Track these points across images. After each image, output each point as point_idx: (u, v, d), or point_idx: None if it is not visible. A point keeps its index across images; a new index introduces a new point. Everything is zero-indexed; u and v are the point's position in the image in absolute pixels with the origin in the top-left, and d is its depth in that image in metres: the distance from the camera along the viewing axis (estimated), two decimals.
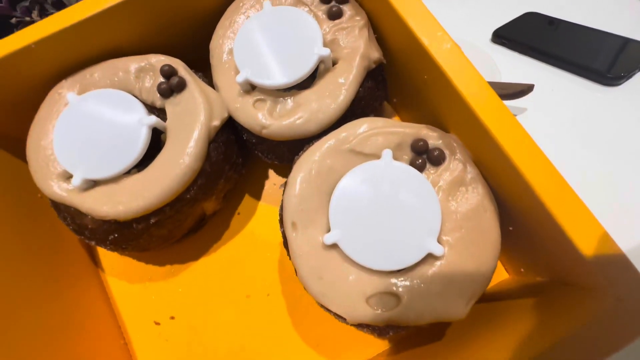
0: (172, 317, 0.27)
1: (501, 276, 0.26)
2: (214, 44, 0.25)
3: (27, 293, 0.22)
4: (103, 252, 0.29)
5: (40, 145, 0.23)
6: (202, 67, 0.26)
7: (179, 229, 0.25)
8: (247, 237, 0.29)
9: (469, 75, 0.19)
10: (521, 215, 0.19)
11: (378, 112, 0.26)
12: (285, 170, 0.30)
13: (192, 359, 0.26)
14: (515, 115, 0.33)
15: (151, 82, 0.24)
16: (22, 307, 0.21)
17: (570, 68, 0.33)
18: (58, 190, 0.22)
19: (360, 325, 0.20)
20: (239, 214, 0.29)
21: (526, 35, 0.35)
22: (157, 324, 0.27)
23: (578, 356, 0.16)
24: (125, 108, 0.22)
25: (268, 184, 0.30)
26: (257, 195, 0.29)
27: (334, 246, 0.19)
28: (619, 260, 0.15)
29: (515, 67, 0.35)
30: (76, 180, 0.21)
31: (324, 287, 0.19)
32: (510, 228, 0.21)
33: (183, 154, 0.22)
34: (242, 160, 0.27)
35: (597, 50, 0.33)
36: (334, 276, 0.19)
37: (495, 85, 0.32)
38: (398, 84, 0.26)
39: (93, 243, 0.24)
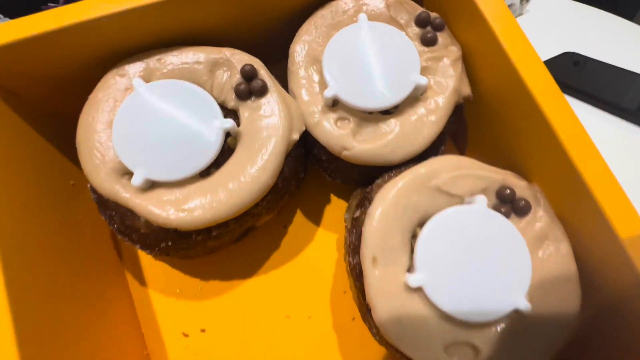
0: (203, 330, 0.25)
1: None
2: (296, 49, 0.23)
3: (45, 285, 0.19)
4: (132, 253, 0.26)
5: (94, 133, 0.20)
6: (271, 68, 0.24)
7: (229, 240, 0.23)
8: (292, 254, 0.27)
9: (572, 125, 0.19)
10: (603, 284, 0.20)
11: (449, 149, 0.25)
12: (342, 190, 0.28)
13: None
14: None
15: (226, 79, 0.22)
16: (37, 299, 0.18)
17: (602, 106, 0.34)
18: (111, 185, 0.19)
19: None
20: (284, 227, 0.28)
21: (562, 72, 0.35)
22: (186, 335, 0.25)
23: None
24: (199, 105, 0.20)
25: (321, 202, 0.28)
26: (308, 212, 0.28)
27: (418, 289, 0.19)
28: None
29: None
30: (137, 180, 0.19)
31: (403, 332, 0.18)
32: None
33: (260, 168, 0.20)
34: (303, 175, 0.25)
35: (626, 89, 0.34)
36: (414, 320, 0.18)
37: None
38: (477, 123, 0.26)
39: (138, 247, 0.21)
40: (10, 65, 0.19)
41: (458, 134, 0.28)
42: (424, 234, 0.19)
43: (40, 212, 0.21)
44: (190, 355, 0.25)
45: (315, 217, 0.28)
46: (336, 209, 0.28)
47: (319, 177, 0.26)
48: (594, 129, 0.33)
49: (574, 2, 0.40)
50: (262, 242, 0.27)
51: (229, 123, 0.20)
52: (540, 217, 0.20)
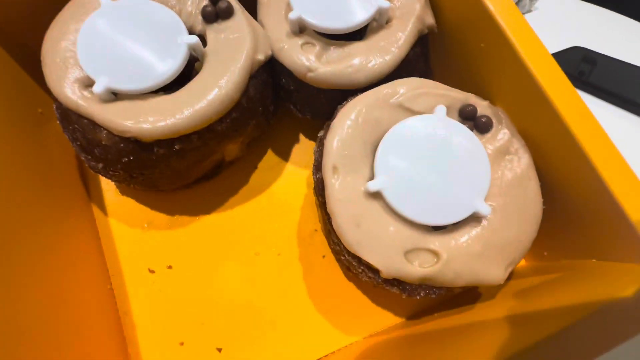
0: (170, 267, 0.25)
1: None
2: None
3: (6, 210, 0.19)
4: (99, 185, 0.26)
5: (60, 45, 0.20)
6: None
7: (196, 167, 0.23)
8: (263, 192, 0.27)
9: (534, 44, 0.19)
10: (563, 191, 0.19)
11: None
12: (315, 130, 0.28)
13: (186, 312, 0.24)
14: None
15: (194, 4, 0.22)
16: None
17: (615, 101, 0.35)
18: (74, 96, 0.19)
19: (391, 283, 0.19)
20: (256, 167, 0.27)
21: (572, 66, 0.36)
22: (152, 272, 0.25)
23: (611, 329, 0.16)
24: (165, 23, 0.21)
25: (293, 142, 0.28)
26: (280, 151, 0.28)
27: (377, 195, 0.19)
28: None
29: None
30: (99, 87, 0.19)
31: (361, 236, 0.18)
32: (544, 206, 0.21)
33: (223, 81, 0.20)
34: (273, 109, 0.25)
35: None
36: (373, 226, 0.18)
37: None
38: (441, 55, 0.26)
39: (100, 166, 0.21)
40: None
41: (425, 69, 0.28)
42: (384, 141, 0.19)
43: (6, 136, 0.21)
44: (155, 292, 0.24)
45: (287, 156, 0.28)
46: (308, 147, 0.28)
47: (290, 116, 0.27)
48: (605, 124, 0.34)
49: (583, 2, 0.41)
50: (233, 180, 0.27)
51: (194, 39, 0.20)
52: (502, 133, 0.20)
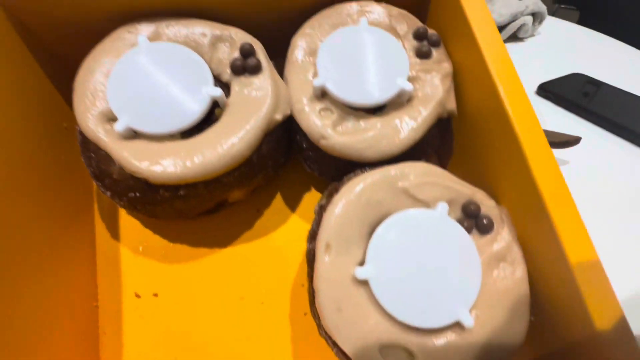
0: (156, 295, 0.25)
1: None
2: (297, 41, 0.24)
3: (14, 208, 0.20)
4: (107, 204, 0.27)
5: (92, 77, 0.21)
6: (272, 54, 0.25)
7: (198, 208, 0.24)
8: (259, 237, 0.27)
9: (545, 156, 0.19)
10: (552, 306, 0.19)
11: (430, 160, 0.26)
12: (320, 184, 0.29)
13: (162, 343, 0.24)
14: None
15: (225, 54, 0.23)
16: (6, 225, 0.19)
17: (615, 130, 0.34)
18: (96, 127, 0.20)
19: None
20: (258, 210, 0.28)
21: (570, 92, 0.36)
22: (138, 296, 0.25)
23: None
24: (194, 71, 0.21)
25: (298, 192, 0.28)
26: (283, 200, 0.28)
27: (364, 283, 0.19)
28: None
29: (559, 121, 0.35)
30: (120, 125, 0.20)
31: (340, 321, 0.18)
32: (532, 318, 0.21)
33: (237, 138, 0.21)
34: (283, 161, 0.26)
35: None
36: (354, 313, 0.18)
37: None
38: (461, 138, 0.26)
39: (108, 194, 0.22)
40: (33, 2, 0.21)
41: (443, 149, 0.28)
42: (380, 229, 0.19)
43: (30, 142, 0.22)
44: (137, 317, 0.25)
45: (290, 206, 0.28)
46: (311, 200, 0.28)
47: (299, 168, 0.27)
48: (604, 152, 0.33)
49: (582, 27, 0.41)
50: (233, 220, 0.27)
51: (218, 92, 0.21)
52: (502, 238, 0.20)
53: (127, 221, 0.27)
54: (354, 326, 0.18)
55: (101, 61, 0.22)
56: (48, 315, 0.21)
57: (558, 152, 0.33)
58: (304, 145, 0.24)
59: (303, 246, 0.27)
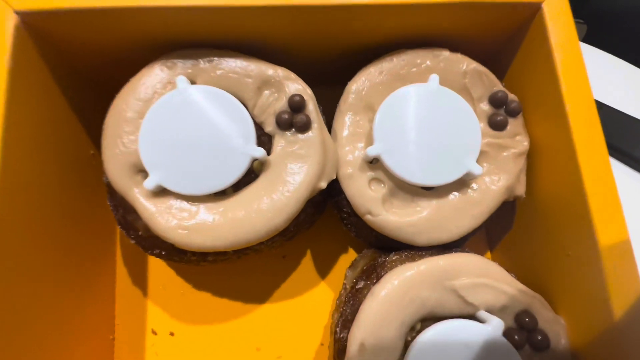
0: (172, 334, 0.25)
1: None
2: (353, 87, 0.21)
3: (37, 237, 0.19)
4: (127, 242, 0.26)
5: (124, 120, 0.19)
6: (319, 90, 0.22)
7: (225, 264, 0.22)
8: (283, 287, 0.26)
9: (623, 263, 0.16)
10: None
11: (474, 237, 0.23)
12: (355, 243, 0.27)
13: None
14: None
15: (272, 101, 0.20)
16: (25, 249, 0.18)
17: (616, 155, 0.32)
18: (124, 180, 0.18)
19: None
20: (284, 257, 0.26)
21: None
22: (154, 333, 0.25)
23: None
24: (237, 124, 0.19)
25: (329, 244, 0.27)
26: (313, 250, 0.26)
27: None
28: None
29: None
30: (150, 183, 0.18)
31: None
32: None
33: (275, 209, 0.18)
34: (317, 218, 0.24)
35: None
36: None
37: None
38: (517, 223, 0.23)
39: (132, 242, 0.20)
40: (70, 29, 0.19)
41: (495, 227, 0.26)
42: (421, 338, 0.17)
43: (56, 167, 0.21)
44: (152, 354, 0.24)
45: (319, 258, 0.26)
46: (343, 257, 0.26)
47: (334, 221, 0.25)
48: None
49: (587, 45, 0.37)
50: (257, 265, 0.26)
51: (260, 153, 0.19)
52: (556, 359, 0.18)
53: (151, 259, 0.26)
54: None
55: (134, 100, 0.19)
56: (66, 344, 0.21)
57: None
58: (345, 209, 0.22)
59: (328, 303, 0.26)
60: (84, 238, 0.23)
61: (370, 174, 0.20)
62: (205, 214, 0.18)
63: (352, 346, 0.18)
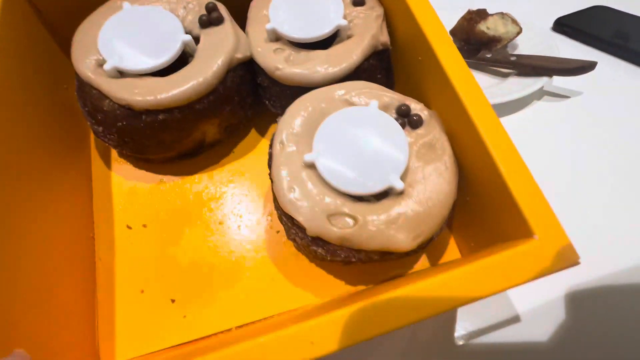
0: (145, 225, 0.29)
1: (454, 256, 0.28)
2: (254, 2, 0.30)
3: (19, 151, 0.24)
4: (101, 151, 0.31)
5: (87, 34, 0.26)
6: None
7: (178, 142, 0.28)
8: (234, 172, 0.31)
9: (454, 58, 0.23)
10: (480, 187, 0.22)
11: None
12: None
13: (151, 265, 0.27)
14: (570, 97, 0.36)
15: (195, 15, 0.28)
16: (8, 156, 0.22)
17: (636, 60, 0.33)
18: (88, 71, 0.25)
19: (317, 243, 0.22)
20: (232, 151, 0.32)
21: (594, 26, 0.35)
22: (129, 227, 0.29)
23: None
24: (169, 24, 0.27)
25: (266, 134, 0.33)
26: (254, 140, 0.32)
27: (312, 166, 0.22)
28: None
29: (576, 54, 0.35)
30: (108, 65, 0.24)
31: (293, 199, 0.21)
32: (468, 198, 0.24)
33: (204, 70, 0.25)
34: (250, 102, 0.30)
35: None
36: (305, 191, 0.22)
37: (554, 60, 0.34)
38: (399, 68, 0.30)
39: (100, 129, 0.26)
40: None
41: (384, 80, 0.32)
42: (323, 123, 0.23)
43: (38, 92, 0.26)
44: (128, 245, 0.28)
45: (261, 145, 0.32)
46: None
47: (267, 113, 0.31)
48: (626, 82, 0.33)
49: None
50: (211, 159, 0.31)
51: (187, 37, 0.26)
52: (430, 131, 0.24)
53: (122, 164, 0.31)
54: (305, 201, 0.21)
55: (94, 22, 0.27)
56: (49, 244, 0.24)
57: (573, 83, 0.34)
58: (265, 84, 0.29)
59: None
60: (61, 146, 0.28)
61: (274, 46, 0.28)
62: (152, 83, 0.25)
63: (275, 146, 0.23)
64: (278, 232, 0.29)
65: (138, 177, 0.30)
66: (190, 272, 0.27)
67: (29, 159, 0.24)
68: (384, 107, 0.25)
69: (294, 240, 0.25)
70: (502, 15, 0.40)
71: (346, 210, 0.21)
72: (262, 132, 0.33)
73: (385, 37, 0.28)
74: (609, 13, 0.38)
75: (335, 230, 0.21)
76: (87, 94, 0.26)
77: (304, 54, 0.27)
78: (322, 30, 0.27)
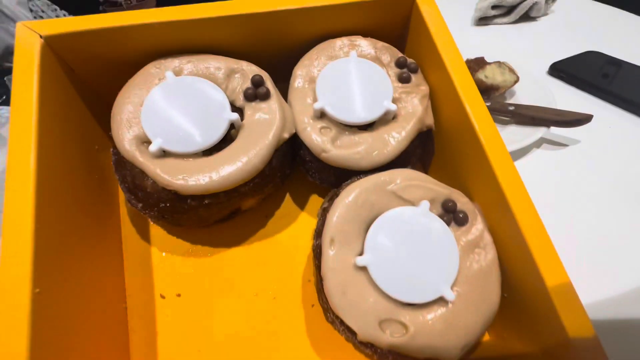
0: (179, 295, 0.28)
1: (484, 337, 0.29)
2: (298, 71, 0.29)
3: (57, 216, 0.22)
4: (131, 216, 0.30)
5: (127, 106, 0.25)
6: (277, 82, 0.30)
7: (217, 215, 0.27)
8: (268, 239, 0.31)
9: (505, 160, 0.24)
10: (519, 284, 0.23)
11: (415, 168, 0.30)
12: (322, 191, 0.33)
13: (187, 337, 0.27)
14: (568, 145, 0.36)
15: (238, 84, 0.27)
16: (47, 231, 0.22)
17: (630, 108, 0.34)
18: (131, 149, 0.24)
19: (366, 345, 0.22)
20: (266, 216, 0.32)
21: (586, 71, 0.36)
22: (163, 297, 0.28)
23: None
24: (214, 99, 0.26)
25: (302, 199, 0.32)
26: (289, 206, 0.32)
27: (363, 269, 0.22)
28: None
29: (572, 100, 0.35)
30: (154, 147, 0.23)
31: (345, 302, 0.22)
32: (505, 295, 0.25)
33: (252, 153, 0.25)
34: (289, 172, 0.30)
35: None
36: (356, 295, 0.22)
37: (551, 112, 0.35)
38: (440, 149, 0.31)
39: (140, 205, 0.25)
40: (75, 47, 0.25)
41: (425, 158, 0.33)
42: (375, 224, 0.23)
43: (69, 157, 0.25)
44: (163, 316, 0.28)
45: (295, 211, 0.32)
46: (314, 205, 0.32)
47: (302, 178, 0.31)
48: (621, 130, 0.33)
49: (598, 2, 0.41)
50: (244, 226, 0.31)
51: (234, 116, 0.25)
52: (475, 229, 0.25)
53: (153, 229, 0.30)
54: (357, 305, 0.22)
55: (134, 93, 0.25)
56: (82, 315, 0.24)
57: (570, 131, 0.34)
58: (307, 158, 0.28)
59: (308, 245, 0.31)
60: (94, 212, 0.27)
61: (319, 124, 0.27)
62: (199, 166, 0.24)
63: (325, 243, 0.23)
64: (313, 305, 0.29)
65: (171, 242, 0.30)
66: (227, 345, 0.27)
67: (67, 229, 0.23)
68: (430, 201, 0.25)
69: (335, 327, 0.25)
70: (500, 64, 0.41)
71: (397, 317, 0.22)
72: (295, 196, 0.33)
73: (430, 120, 0.28)
74: (601, 58, 0.38)
75: (387, 338, 0.21)
76: (129, 171, 0.25)
77: (350, 134, 0.27)
78: (371, 115, 0.26)
